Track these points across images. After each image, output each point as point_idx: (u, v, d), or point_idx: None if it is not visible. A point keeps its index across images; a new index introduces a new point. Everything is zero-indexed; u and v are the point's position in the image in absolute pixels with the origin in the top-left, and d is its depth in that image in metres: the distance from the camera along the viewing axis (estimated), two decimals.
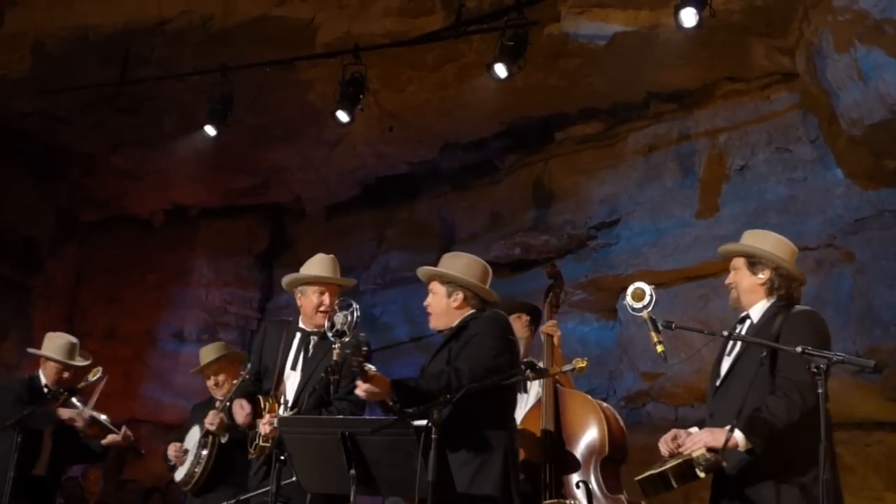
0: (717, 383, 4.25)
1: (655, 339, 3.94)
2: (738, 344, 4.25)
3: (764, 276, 4.29)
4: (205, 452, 6.05)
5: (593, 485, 5.40)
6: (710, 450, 3.87)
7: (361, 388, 4.19)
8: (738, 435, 3.84)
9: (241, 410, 5.26)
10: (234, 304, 12.87)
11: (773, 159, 8.47)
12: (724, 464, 3.87)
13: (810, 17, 7.28)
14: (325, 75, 8.88)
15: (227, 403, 5.78)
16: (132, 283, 12.80)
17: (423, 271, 4.91)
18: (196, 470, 6.07)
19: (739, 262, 4.37)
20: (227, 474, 6.07)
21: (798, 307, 4.23)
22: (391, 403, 4.30)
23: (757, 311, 4.30)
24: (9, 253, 11.38)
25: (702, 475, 3.85)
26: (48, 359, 6.47)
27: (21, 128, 10.53)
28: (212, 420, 5.95)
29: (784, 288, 4.28)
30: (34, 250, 11.85)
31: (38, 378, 6.50)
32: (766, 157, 8.52)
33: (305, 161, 11.08)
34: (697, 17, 6.85)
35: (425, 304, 4.84)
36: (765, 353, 3.94)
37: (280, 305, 12.35)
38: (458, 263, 4.82)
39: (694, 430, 4.26)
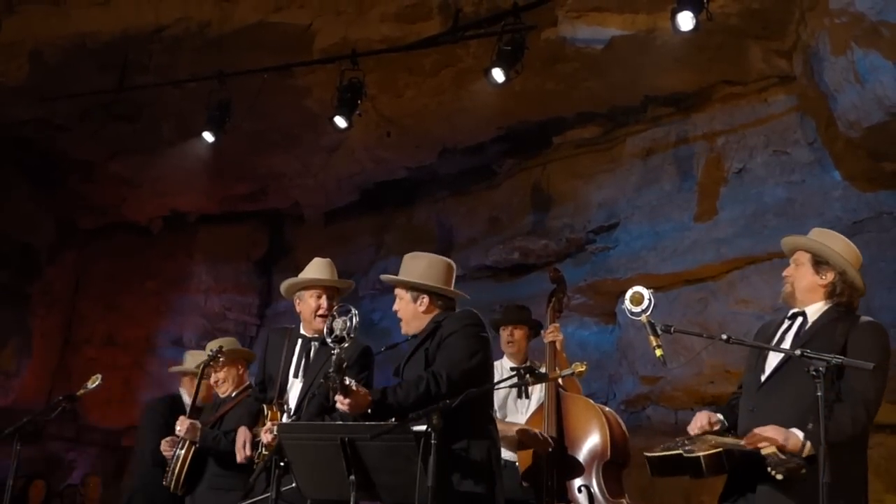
0: (763, 378, 4.13)
1: (654, 343, 3.92)
2: (789, 340, 4.16)
3: (827, 278, 4.19)
4: (181, 453, 6.03)
5: (595, 489, 5.41)
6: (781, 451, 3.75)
7: (342, 403, 4.19)
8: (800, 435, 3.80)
9: (242, 451, 5.26)
10: (233, 311, 12.86)
11: (770, 162, 8.47)
12: (804, 471, 3.68)
13: (807, 19, 7.28)
14: (323, 81, 8.89)
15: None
16: (131, 290, 12.80)
17: (385, 279, 4.92)
18: (175, 468, 6.04)
19: (804, 258, 4.27)
20: (206, 473, 6.08)
21: (865, 318, 4.15)
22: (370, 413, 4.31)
23: (814, 311, 4.20)
24: (7, 260, 11.38)
25: (779, 477, 3.64)
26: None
27: (19, 135, 10.54)
28: (181, 426, 5.95)
29: (846, 295, 4.20)
30: (33, 257, 11.85)
31: (179, 397, 6.72)
32: (763, 159, 8.52)
33: (304, 167, 11.09)
34: (694, 21, 6.85)
35: (394, 309, 4.84)
36: (831, 361, 3.70)
37: (279, 311, 12.36)
38: (419, 267, 4.80)
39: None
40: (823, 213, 7.93)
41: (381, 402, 4.26)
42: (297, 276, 5.55)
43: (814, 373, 3.56)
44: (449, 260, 4.91)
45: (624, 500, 5.49)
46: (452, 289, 4.80)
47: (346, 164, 10.89)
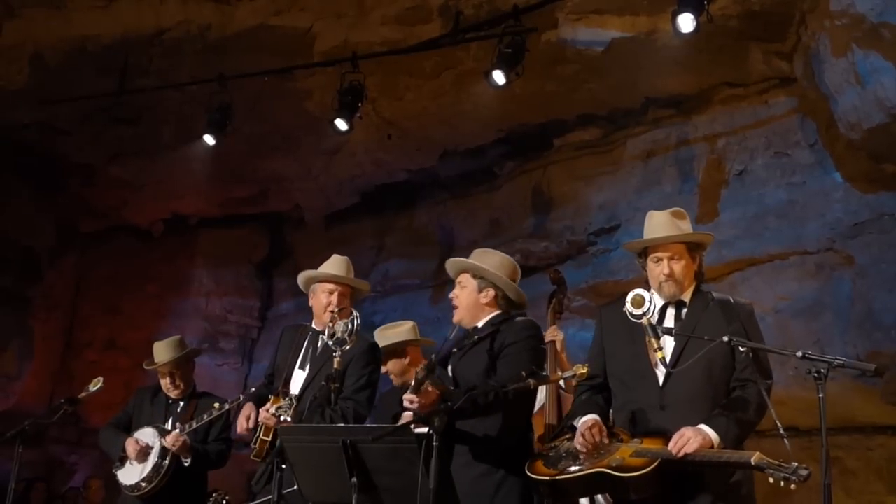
0: (664, 372, 4.01)
1: (655, 346, 3.90)
2: (673, 327, 4.12)
3: (697, 261, 4.24)
4: (166, 463, 6.01)
5: None
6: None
7: (412, 402, 4.21)
8: (715, 436, 3.79)
9: (244, 422, 5.26)
10: (234, 313, 12.85)
11: (771, 164, 8.47)
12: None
13: (807, 21, 7.28)
14: (324, 84, 8.88)
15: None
16: (132, 293, 12.79)
17: (454, 263, 4.86)
18: (144, 485, 6.04)
19: (682, 249, 4.21)
20: (181, 490, 6.08)
21: (723, 294, 4.22)
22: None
23: (688, 297, 4.20)
24: (8, 264, 11.37)
25: (793, 487, 3.49)
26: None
27: (20, 139, 10.53)
28: (173, 442, 5.92)
29: (702, 274, 4.28)
30: (34, 261, 11.84)
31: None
32: (764, 161, 8.51)
33: (304, 169, 11.09)
34: (695, 23, 6.84)
35: (451, 295, 4.80)
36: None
37: (280, 314, 12.34)
38: (493, 260, 4.80)
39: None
40: (824, 214, 7.93)
41: (458, 411, 4.19)
42: (297, 279, 5.56)
43: (815, 375, 3.55)
44: (517, 264, 4.92)
45: None
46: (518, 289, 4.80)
47: (347, 166, 10.90)
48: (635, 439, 4.00)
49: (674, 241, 4.22)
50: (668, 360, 4.01)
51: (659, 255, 4.22)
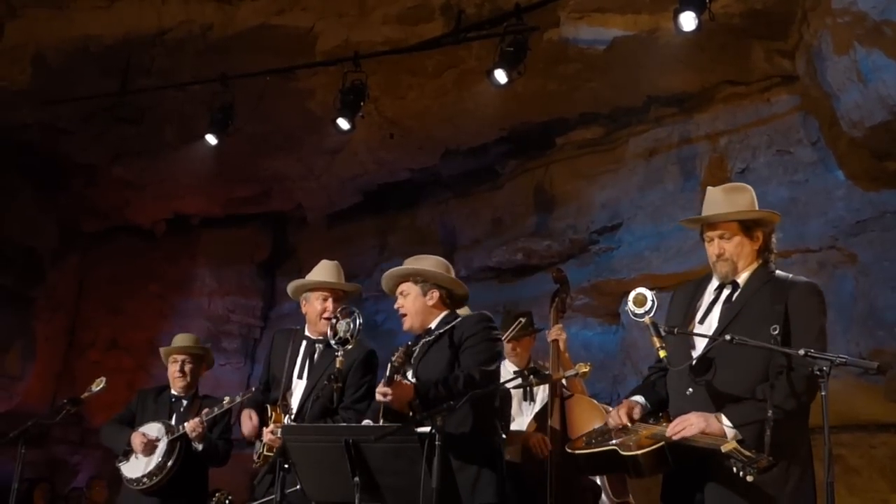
0: (696, 355, 3.94)
1: (658, 345, 3.89)
2: (716, 315, 4.04)
3: (759, 239, 4.07)
4: (171, 463, 6.02)
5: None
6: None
7: (385, 395, 4.22)
8: (728, 424, 3.74)
9: (249, 422, 5.28)
10: (236, 313, 12.85)
11: (774, 162, 8.46)
12: (775, 468, 3.52)
13: (809, 19, 7.28)
14: (326, 83, 8.89)
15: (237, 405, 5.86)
16: (135, 294, 12.79)
17: (391, 275, 4.87)
18: (147, 480, 6.04)
19: (734, 227, 4.07)
20: (183, 486, 6.10)
21: (802, 279, 4.09)
22: (412, 413, 4.27)
23: (744, 277, 4.08)
24: (11, 264, 11.37)
25: (749, 479, 3.48)
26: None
27: (22, 139, 10.53)
28: (194, 428, 5.94)
29: (769, 251, 4.11)
30: (36, 261, 11.84)
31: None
32: (767, 159, 8.51)
33: (306, 169, 11.09)
34: (697, 21, 6.85)
35: (397, 306, 4.82)
36: (777, 331, 3.70)
37: (283, 314, 12.35)
38: (429, 262, 4.83)
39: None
40: (826, 212, 7.93)
41: (425, 397, 4.28)
42: (301, 277, 5.56)
43: (818, 373, 3.53)
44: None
45: (629, 500, 5.49)
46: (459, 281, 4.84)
47: (349, 166, 10.90)
48: (665, 423, 3.97)
49: (721, 219, 4.10)
50: (668, 358, 4.00)
51: (709, 234, 4.12)
